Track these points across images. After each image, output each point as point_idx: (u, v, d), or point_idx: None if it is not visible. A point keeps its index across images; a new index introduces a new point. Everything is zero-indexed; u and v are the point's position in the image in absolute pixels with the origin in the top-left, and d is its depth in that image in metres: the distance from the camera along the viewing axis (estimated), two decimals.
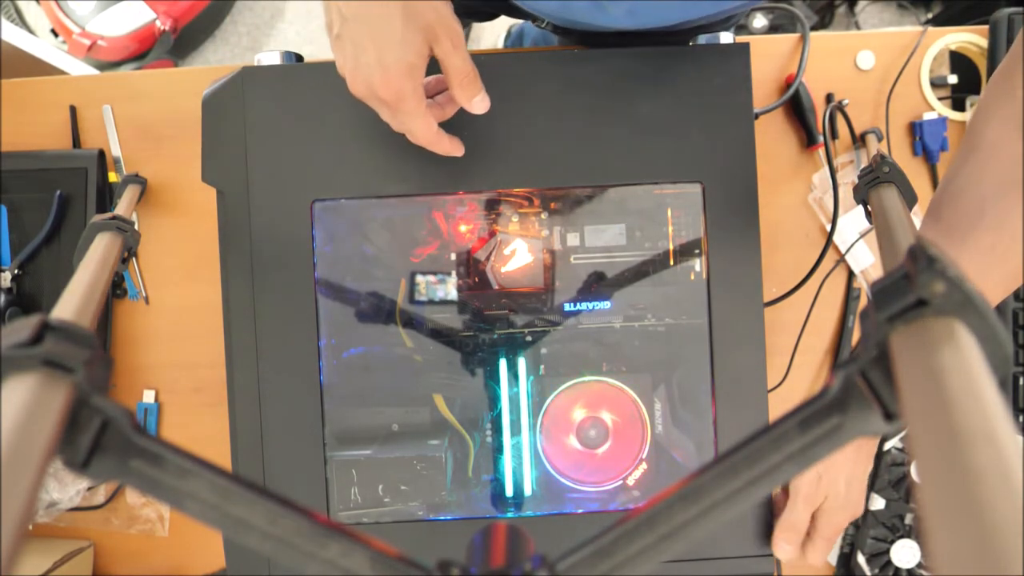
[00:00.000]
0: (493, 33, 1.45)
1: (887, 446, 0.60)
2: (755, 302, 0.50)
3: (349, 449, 0.50)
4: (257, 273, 0.50)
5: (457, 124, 0.50)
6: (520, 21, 0.88)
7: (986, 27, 0.60)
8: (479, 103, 0.44)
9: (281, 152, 0.50)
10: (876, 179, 0.47)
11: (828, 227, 0.59)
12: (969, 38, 0.62)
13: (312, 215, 0.50)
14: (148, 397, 0.61)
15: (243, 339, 0.50)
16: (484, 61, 0.51)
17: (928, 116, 0.61)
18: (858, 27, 1.44)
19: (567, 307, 0.51)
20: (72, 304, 0.36)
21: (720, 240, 0.50)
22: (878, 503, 0.59)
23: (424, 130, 0.43)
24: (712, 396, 0.50)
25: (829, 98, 0.61)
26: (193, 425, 0.61)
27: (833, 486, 0.51)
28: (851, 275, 0.61)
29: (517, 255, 0.51)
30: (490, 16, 0.74)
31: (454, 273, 0.51)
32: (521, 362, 0.51)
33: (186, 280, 0.61)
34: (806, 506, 0.50)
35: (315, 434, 0.50)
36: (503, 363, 0.51)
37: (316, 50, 1.56)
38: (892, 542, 0.59)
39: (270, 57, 0.51)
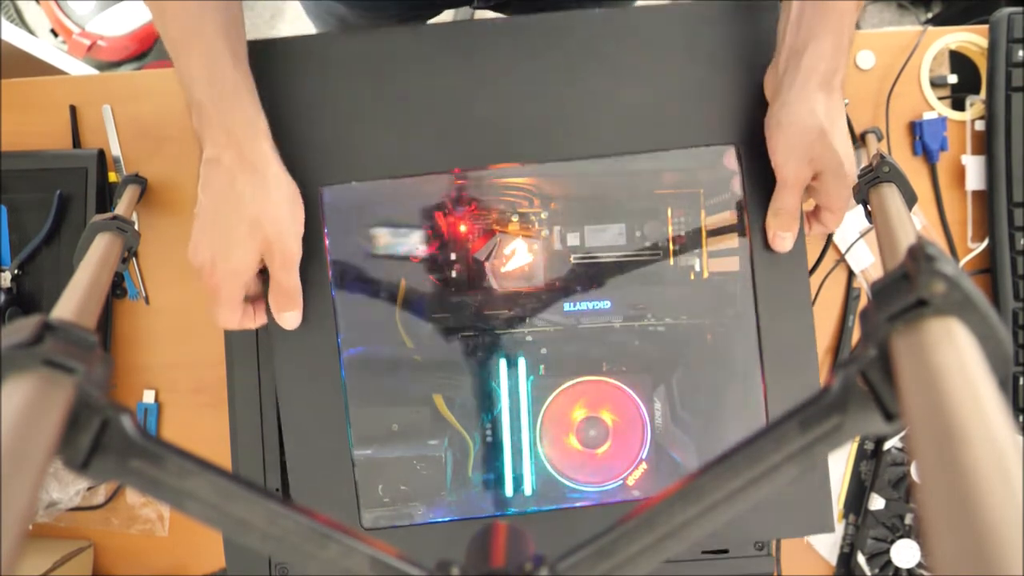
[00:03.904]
0: None
1: (887, 446, 0.60)
2: (800, 265, 0.49)
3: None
4: None
5: (471, 95, 0.48)
6: None
7: (986, 27, 0.60)
8: (290, 319, 0.47)
9: (282, 147, 0.49)
10: (876, 179, 0.47)
11: None
12: (969, 38, 0.62)
13: (320, 207, 0.50)
14: (148, 397, 0.61)
15: (243, 339, 0.50)
16: (501, 26, 0.49)
17: (928, 116, 0.61)
18: (858, 27, 1.44)
19: (567, 307, 0.51)
20: (72, 304, 0.36)
21: (761, 201, 0.49)
22: (878, 503, 0.59)
23: (224, 322, 0.46)
24: (761, 370, 0.49)
25: None
26: (193, 425, 0.61)
27: (827, 157, 0.45)
28: (851, 275, 0.61)
29: (517, 255, 0.51)
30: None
31: (454, 273, 0.51)
32: (521, 362, 0.51)
33: (186, 280, 0.61)
34: (794, 192, 0.47)
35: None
36: (503, 363, 0.51)
37: None
38: (892, 542, 0.59)
39: None
